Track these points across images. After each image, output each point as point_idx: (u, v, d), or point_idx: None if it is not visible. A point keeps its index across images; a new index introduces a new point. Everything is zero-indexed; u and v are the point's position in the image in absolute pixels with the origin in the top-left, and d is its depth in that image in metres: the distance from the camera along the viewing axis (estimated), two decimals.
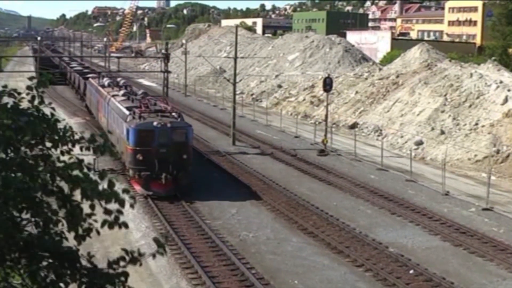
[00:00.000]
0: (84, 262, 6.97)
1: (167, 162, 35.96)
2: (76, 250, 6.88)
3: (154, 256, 7.27)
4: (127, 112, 40.04)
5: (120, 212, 6.87)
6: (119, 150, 41.04)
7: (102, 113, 53.95)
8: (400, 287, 24.95)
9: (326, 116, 53.97)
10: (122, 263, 6.97)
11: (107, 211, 6.81)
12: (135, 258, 7.01)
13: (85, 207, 6.85)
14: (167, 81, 57.58)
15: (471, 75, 57.98)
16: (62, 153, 6.97)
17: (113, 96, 48.80)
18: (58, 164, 6.80)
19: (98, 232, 6.97)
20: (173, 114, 39.47)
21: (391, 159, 48.25)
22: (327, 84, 52.62)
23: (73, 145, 7.00)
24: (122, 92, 49.81)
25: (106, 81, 59.56)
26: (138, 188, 37.01)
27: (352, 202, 36.93)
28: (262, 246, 29.25)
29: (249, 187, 39.46)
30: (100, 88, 56.92)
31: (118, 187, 6.87)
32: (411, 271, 26.52)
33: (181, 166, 36.49)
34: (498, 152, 46.59)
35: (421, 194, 38.51)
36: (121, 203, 6.82)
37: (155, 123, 36.73)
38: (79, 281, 6.89)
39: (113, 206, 6.76)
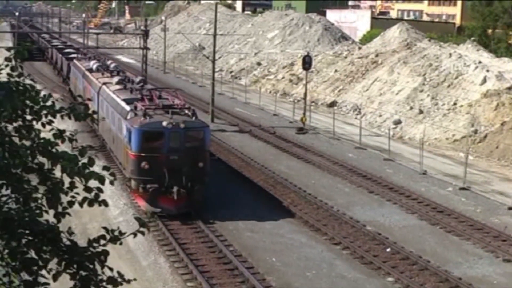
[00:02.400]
0: (64, 240, 6.92)
1: (179, 172, 28.80)
2: (57, 227, 6.83)
3: (135, 235, 7.24)
4: (127, 108, 32.51)
5: (100, 190, 6.82)
6: (116, 153, 35.31)
7: (90, 104, 46.63)
8: (376, 265, 25.07)
9: (305, 94, 53.95)
10: (102, 242, 6.93)
11: (87, 189, 6.76)
12: (115, 237, 6.97)
13: (65, 184, 6.78)
14: (146, 58, 57.22)
15: (450, 55, 58.09)
16: (43, 125, 6.88)
17: (105, 84, 41.27)
18: (38, 141, 6.72)
19: (81, 205, 6.89)
20: (186, 110, 31.61)
21: (369, 137, 48.33)
22: (306, 63, 52.58)
23: (54, 116, 6.91)
24: (116, 79, 41.88)
25: (94, 64, 50.98)
26: (142, 203, 30.17)
27: (330, 180, 37.00)
28: (240, 224, 29.26)
29: (227, 165, 39.41)
30: (87, 73, 49.18)
31: (98, 164, 6.81)
32: (388, 250, 26.66)
33: (197, 177, 29.36)
34: (476, 132, 46.83)
35: (398, 173, 38.64)
36: (101, 180, 6.76)
37: (164, 123, 29.33)
38: (59, 258, 6.84)
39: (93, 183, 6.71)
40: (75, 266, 6.86)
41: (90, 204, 6.82)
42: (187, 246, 26.27)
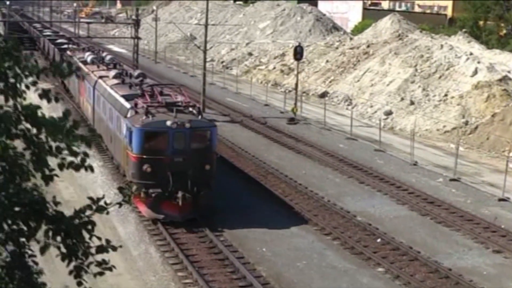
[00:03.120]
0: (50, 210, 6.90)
1: (184, 176, 26.70)
2: (43, 197, 6.80)
3: (120, 205, 7.23)
4: (127, 105, 30.48)
5: (86, 154, 6.78)
6: (115, 153, 33.49)
7: (85, 98, 44.46)
8: (367, 256, 25.11)
9: (296, 84, 53.92)
10: (88, 212, 6.90)
11: (73, 153, 6.70)
12: (101, 207, 6.95)
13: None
14: (137, 48, 57.12)
15: (442, 46, 58.09)
16: (27, 86, 6.82)
17: (101, 77, 39.14)
18: (22, 105, 6.66)
19: (61, 168, 6.84)
20: (190, 108, 29.61)
21: (360, 128, 48.37)
22: (298, 53, 52.52)
23: (38, 76, 6.84)
24: (113, 72, 39.44)
25: (88, 56, 48.73)
26: (143, 209, 27.91)
27: (320, 170, 37.01)
28: (229, 214, 29.23)
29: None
30: (82, 66, 46.12)
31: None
32: (379, 240, 26.71)
33: (203, 180, 27.45)
34: (466, 123, 46.89)
35: (389, 164, 38.68)
36: (88, 143, 6.72)
37: (168, 122, 27.10)
38: (46, 228, 6.81)
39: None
40: (62, 235, 6.83)
41: (76, 168, 6.78)
42: (177, 237, 26.25)
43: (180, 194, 26.59)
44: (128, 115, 29.27)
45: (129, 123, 28.29)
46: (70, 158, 6.78)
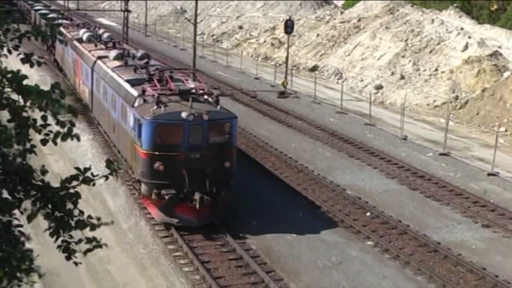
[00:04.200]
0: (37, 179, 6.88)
1: (202, 175, 23.71)
2: (29, 166, 6.77)
3: (106, 178, 7.22)
4: (134, 92, 27.08)
5: (72, 123, 6.75)
6: (119, 146, 29.98)
7: (82, 80, 40.44)
8: (356, 229, 25.20)
9: (287, 58, 53.82)
10: (74, 183, 6.88)
11: (60, 123, 6.67)
12: (88, 178, 6.94)
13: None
14: (127, 21, 56.83)
15: (433, 21, 57.97)
16: (9, 51, 6.76)
17: (100, 58, 35.57)
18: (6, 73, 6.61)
19: (55, 143, 6.82)
20: (206, 97, 26.16)
21: (350, 102, 48.35)
22: (288, 26, 52.38)
23: (20, 41, 6.79)
24: (114, 53, 35.36)
25: (84, 33, 44.94)
26: (155, 212, 24.83)
27: (311, 144, 37.02)
28: None
29: None
30: (77, 44, 42.94)
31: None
32: (368, 214, 26.80)
33: (223, 180, 24.44)
34: (456, 98, 46.91)
35: (379, 138, 38.72)
36: (74, 112, 6.68)
37: (184, 114, 23.91)
38: (32, 198, 6.79)
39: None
40: (49, 206, 6.81)
41: (63, 138, 6.75)
42: None
43: (197, 196, 23.56)
44: (136, 104, 25.99)
45: (138, 114, 25.10)
46: (56, 128, 6.75)
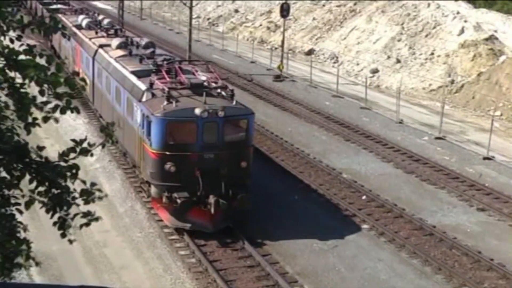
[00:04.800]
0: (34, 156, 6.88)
1: (217, 176, 21.99)
2: (26, 143, 6.77)
3: (103, 145, 7.22)
4: (141, 85, 25.31)
5: (71, 95, 6.73)
6: (125, 143, 27.92)
7: (82, 69, 38.11)
8: (352, 213, 25.26)
9: (283, 42, 53.70)
10: (72, 155, 6.87)
11: (58, 95, 6.66)
12: (85, 149, 6.93)
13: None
14: (123, 4, 56.65)
15: (429, 5, 57.86)
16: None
17: (102, 47, 33.67)
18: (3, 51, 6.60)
19: (56, 120, 6.83)
20: (220, 90, 24.43)
21: (346, 86, 48.32)
22: (284, 10, 52.25)
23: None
24: (116, 41, 33.29)
25: (83, 20, 42.79)
26: (165, 217, 23.08)
27: (307, 128, 37.02)
28: None
29: None
30: (77, 31, 40.63)
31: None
32: (364, 197, 26.86)
33: (239, 181, 22.69)
34: (452, 82, 46.93)
35: (375, 122, 38.74)
36: (72, 85, 6.67)
37: (198, 110, 22.15)
38: (30, 176, 6.79)
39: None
40: (46, 184, 6.81)
41: (62, 111, 6.74)
42: None
43: (212, 199, 21.82)
44: (144, 99, 24.24)
45: (146, 110, 23.24)
46: (55, 103, 6.74)
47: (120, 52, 31.26)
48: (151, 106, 23.17)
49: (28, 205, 6.89)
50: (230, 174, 22.24)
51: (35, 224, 21.54)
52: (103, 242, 22.41)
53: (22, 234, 7.31)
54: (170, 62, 27.37)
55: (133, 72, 27.28)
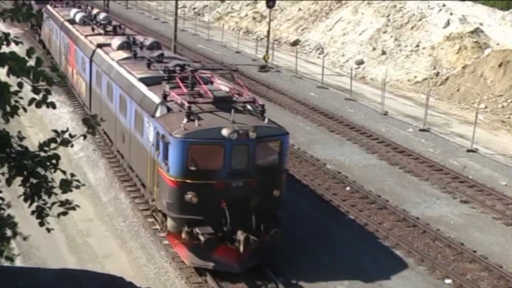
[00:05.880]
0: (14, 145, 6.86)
1: (247, 208, 18.86)
2: (6, 132, 6.75)
3: (84, 137, 7.22)
4: (154, 98, 21.71)
5: (48, 91, 6.73)
6: (133, 163, 24.69)
7: (77, 70, 34.93)
8: (336, 203, 25.30)
9: (268, 32, 53.63)
10: (53, 145, 6.87)
11: (35, 90, 6.65)
12: (66, 139, 6.91)
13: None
14: None
15: None
16: None
17: (101, 47, 30.40)
18: None
19: (25, 110, 6.82)
20: (248, 105, 21.15)
21: (331, 77, 48.34)
22: (270, 0, 52.13)
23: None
24: (117, 41, 29.64)
25: (76, 14, 38.95)
26: (185, 254, 19.93)
27: (291, 118, 37.01)
28: None
29: None
30: (69, 27, 37.45)
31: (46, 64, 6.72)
32: (348, 188, 26.90)
33: (271, 213, 19.58)
34: (437, 74, 47.04)
35: (360, 113, 38.79)
36: (49, 82, 6.65)
37: (225, 131, 18.81)
38: (9, 164, 6.78)
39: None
40: (25, 173, 6.81)
41: (38, 105, 6.74)
42: None
43: (241, 236, 18.60)
44: (158, 114, 20.83)
45: (162, 129, 19.89)
46: (32, 95, 6.73)
47: (123, 54, 27.84)
48: (168, 124, 19.79)
49: (9, 181, 6.89)
50: (261, 205, 19.08)
51: (19, 212, 21.47)
52: (86, 231, 22.37)
53: (6, 212, 7.32)
54: (182, 67, 24.18)
55: (141, 80, 23.95)
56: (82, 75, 33.26)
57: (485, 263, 21.11)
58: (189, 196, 18.76)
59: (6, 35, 6.73)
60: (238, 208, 18.67)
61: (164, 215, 20.48)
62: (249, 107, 20.99)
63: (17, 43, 6.86)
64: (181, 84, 21.72)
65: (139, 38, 31.38)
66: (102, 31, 33.94)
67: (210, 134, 19.00)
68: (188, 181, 18.88)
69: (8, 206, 7.43)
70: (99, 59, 29.62)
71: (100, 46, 30.51)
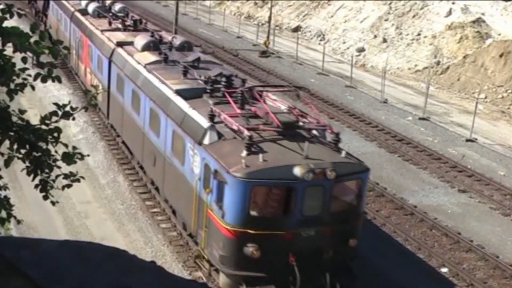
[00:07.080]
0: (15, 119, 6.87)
1: (319, 263, 15.78)
2: (7, 106, 6.74)
3: (86, 109, 7.23)
4: (201, 121, 17.64)
5: (53, 65, 6.71)
6: (165, 192, 20.90)
7: (91, 69, 30.83)
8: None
9: (270, 17, 53.55)
10: (54, 118, 6.86)
11: (40, 65, 6.63)
12: (67, 112, 6.91)
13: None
14: None
15: None
16: None
17: (121, 46, 26.35)
18: None
19: (32, 87, 6.81)
20: (314, 131, 17.58)
21: (332, 64, 48.28)
22: None
23: None
24: (142, 40, 25.52)
25: (89, 4, 34.79)
26: None
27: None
28: None
29: None
30: (81, 18, 33.59)
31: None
32: None
33: (346, 266, 16.44)
34: (438, 63, 47.00)
35: (359, 100, 38.76)
36: (54, 55, 6.64)
37: (298, 170, 15.13)
38: (11, 138, 6.78)
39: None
40: (27, 147, 6.81)
41: (44, 79, 6.72)
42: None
43: None
44: (207, 141, 16.92)
45: (215, 162, 16.12)
46: (36, 71, 6.71)
47: (151, 57, 23.71)
48: (222, 156, 16.04)
49: (8, 162, 6.89)
50: (336, 258, 15.97)
51: (17, 193, 21.49)
52: (84, 213, 22.38)
53: (2, 193, 7.33)
54: (228, 77, 20.01)
55: (179, 93, 20.03)
56: (98, 76, 29.33)
57: (481, 253, 21.17)
58: (249, 249, 15.27)
59: (10, 6, 6.70)
60: (309, 262, 15.48)
61: (216, 269, 16.92)
62: (315, 132, 17.39)
63: (20, 15, 6.83)
64: (231, 101, 18.00)
65: (166, 36, 27.33)
66: (120, 26, 30.04)
67: (278, 173, 15.26)
68: (249, 231, 15.27)
69: (5, 188, 7.44)
70: (120, 61, 25.63)
71: (120, 44, 26.64)
